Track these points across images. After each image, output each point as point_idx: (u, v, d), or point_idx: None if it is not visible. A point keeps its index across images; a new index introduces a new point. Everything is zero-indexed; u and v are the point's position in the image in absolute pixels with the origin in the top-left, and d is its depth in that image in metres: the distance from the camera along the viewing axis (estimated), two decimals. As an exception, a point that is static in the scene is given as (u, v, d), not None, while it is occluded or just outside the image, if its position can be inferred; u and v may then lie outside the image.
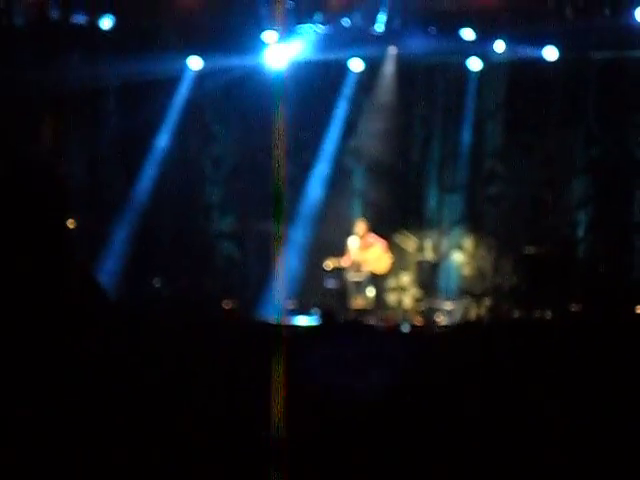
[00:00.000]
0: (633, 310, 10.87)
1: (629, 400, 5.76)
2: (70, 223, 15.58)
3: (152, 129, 16.17)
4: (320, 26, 15.64)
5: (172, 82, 16.16)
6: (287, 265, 15.22)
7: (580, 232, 16.06)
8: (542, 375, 6.61)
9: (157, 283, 15.75)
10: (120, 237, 15.89)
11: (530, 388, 6.39)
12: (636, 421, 5.53)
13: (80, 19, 15.48)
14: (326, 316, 10.75)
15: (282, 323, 13.42)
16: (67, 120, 16.11)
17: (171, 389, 5.68)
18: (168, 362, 6.43)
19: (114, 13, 15.51)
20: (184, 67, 16.18)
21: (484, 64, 16.23)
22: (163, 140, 16.27)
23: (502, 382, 6.40)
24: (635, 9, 14.75)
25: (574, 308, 13.45)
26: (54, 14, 15.26)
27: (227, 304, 14.90)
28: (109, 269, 15.56)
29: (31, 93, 15.08)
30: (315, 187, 16.45)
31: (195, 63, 16.18)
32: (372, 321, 14.24)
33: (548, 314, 13.58)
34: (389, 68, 16.51)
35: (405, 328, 12.97)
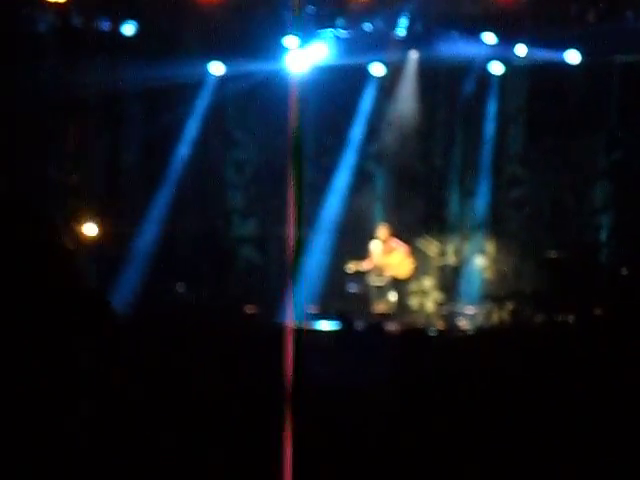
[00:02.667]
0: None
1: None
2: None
3: (174, 134, 16.22)
4: (341, 30, 15.64)
5: (194, 87, 16.21)
6: (309, 269, 15.23)
7: (602, 236, 15.99)
8: (564, 379, 6.58)
9: (180, 288, 15.80)
10: (143, 242, 15.94)
11: (552, 393, 6.35)
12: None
13: (103, 25, 15.55)
14: (346, 321, 10.73)
15: (304, 327, 13.43)
16: (90, 126, 16.19)
17: (192, 395, 5.70)
18: (190, 367, 6.46)
19: (136, 19, 15.57)
20: (206, 72, 16.23)
21: (506, 68, 16.20)
22: (185, 145, 16.32)
23: (524, 387, 6.37)
24: (657, 12, 14.69)
25: (597, 312, 13.37)
26: (77, 21, 15.34)
27: (249, 309, 14.92)
28: (133, 275, 15.61)
29: (55, 99, 15.17)
30: (337, 191, 16.46)
31: (217, 68, 16.23)
32: (394, 326, 14.23)
33: (571, 318, 13.51)
34: (411, 72, 16.49)
35: (432, 332, 12.93)
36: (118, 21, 15.59)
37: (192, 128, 16.28)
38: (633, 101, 15.84)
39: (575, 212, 16.14)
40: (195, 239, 16.35)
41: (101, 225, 15.84)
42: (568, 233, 15.90)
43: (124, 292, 15.06)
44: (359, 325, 11.54)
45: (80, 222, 15.67)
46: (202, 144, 16.39)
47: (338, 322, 12.04)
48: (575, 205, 16.16)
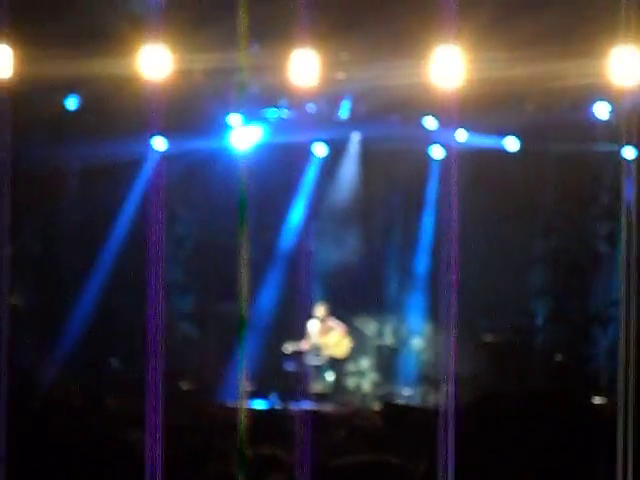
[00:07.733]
0: (589, 400, 10.90)
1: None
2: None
3: (115, 209, 16.15)
4: (285, 110, 15.79)
5: (137, 163, 16.19)
6: (247, 347, 15.14)
7: (539, 321, 16.14)
8: (502, 458, 6.58)
9: (114, 363, 15.60)
10: (79, 316, 15.77)
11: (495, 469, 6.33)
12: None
13: (45, 98, 15.49)
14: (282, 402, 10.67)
15: (240, 406, 13.30)
16: (28, 198, 16.06)
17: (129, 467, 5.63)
18: (124, 443, 6.37)
19: (79, 93, 15.55)
20: (149, 148, 16.23)
21: (446, 152, 16.43)
22: (125, 219, 16.24)
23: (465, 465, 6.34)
24: (593, 105, 15.07)
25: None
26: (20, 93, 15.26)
27: (185, 385, 14.78)
28: (67, 348, 15.41)
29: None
30: (278, 269, 16.46)
31: (160, 144, 16.24)
32: (330, 406, 14.17)
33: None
34: (353, 153, 16.67)
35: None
36: (61, 94, 15.55)
37: (134, 203, 16.23)
38: (569, 189, 16.15)
39: (512, 297, 16.28)
40: (133, 314, 16.18)
41: (37, 298, 15.66)
42: (505, 317, 16.02)
43: (57, 367, 14.86)
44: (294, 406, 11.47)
45: (14, 294, 15.48)
46: (143, 219, 16.32)
47: (276, 401, 11.99)
48: (512, 290, 16.31)
